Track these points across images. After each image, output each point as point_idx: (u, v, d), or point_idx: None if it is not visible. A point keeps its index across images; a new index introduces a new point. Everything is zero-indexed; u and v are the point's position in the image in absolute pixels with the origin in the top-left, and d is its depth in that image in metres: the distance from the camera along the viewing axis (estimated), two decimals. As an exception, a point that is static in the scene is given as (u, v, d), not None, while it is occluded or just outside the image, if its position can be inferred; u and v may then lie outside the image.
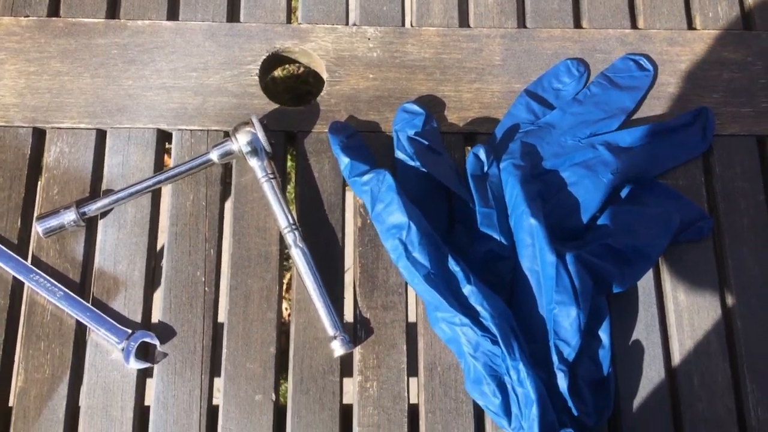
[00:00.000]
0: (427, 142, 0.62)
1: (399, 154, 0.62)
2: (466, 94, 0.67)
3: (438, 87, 0.67)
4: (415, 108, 0.63)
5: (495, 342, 0.54)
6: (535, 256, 0.57)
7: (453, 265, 0.56)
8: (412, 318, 0.60)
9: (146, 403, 0.58)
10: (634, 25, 0.70)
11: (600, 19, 0.70)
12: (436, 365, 0.59)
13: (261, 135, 0.60)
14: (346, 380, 0.59)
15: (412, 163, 0.61)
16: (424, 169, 0.60)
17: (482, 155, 0.61)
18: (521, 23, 0.70)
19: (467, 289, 0.55)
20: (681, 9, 0.71)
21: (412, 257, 0.56)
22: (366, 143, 0.63)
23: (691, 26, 0.71)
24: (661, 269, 0.62)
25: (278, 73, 1.39)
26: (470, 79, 0.67)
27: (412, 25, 0.69)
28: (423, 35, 0.68)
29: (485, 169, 0.61)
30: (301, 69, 1.51)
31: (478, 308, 0.55)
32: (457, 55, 0.68)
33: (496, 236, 0.59)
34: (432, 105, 0.66)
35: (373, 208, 0.59)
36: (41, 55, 0.65)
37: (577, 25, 0.70)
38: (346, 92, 0.66)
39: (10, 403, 0.58)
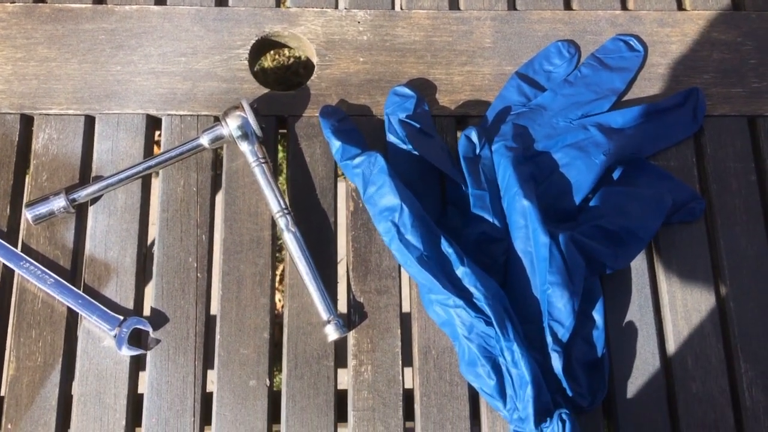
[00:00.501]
0: (418, 125, 0.62)
1: (390, 138, 0.62)
2: (457, 77, 0.66)
3: (429, 70, 0.66)
4: (406, 91, 0.63)
5: (489, 323, 0.54)
6: (528, 237, 0.57)
7: (446, 247, 0.56)
8: (405, 302, 0.60)
9: (140, 390, 0.58)
10: (624, 7, 0.70)
11: (590, 0, 0.70)
12: (430, 349, 0.59)
13: (251, 119, 0.59)
14: (340, 364, 0.59)
15: (404, 146, 0.61)
16: (416, 152, 0.60)
17: (474, 137, 0.61)
18: (511, 5, 0.70)
19: (460, 271, 0.55)
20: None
21: (404, 239, 0.56)
22: (357, 127, 0.63)
23: (681, 7, 0.70)
24: (653, 251, 0.62)
25: (268, 63, 1.38)
26: (461, 62, 0.67)
27: (402, 8, 0.69)
28: (413, 18, 0.68)
29: (477, 151, 0.61)
30: (291, 59, 1.51)
31: (472, 290, 0.55)
32: (447, 38, 0.68)
33: (489, 218, 0.59)
34: (423, 88, 0.65)
35: (365, 191, 0.58)
36: (28, 41, 0.65)
37: (567, 6, 0.70)
38: (336, 76, 0.66)
39: (2, 392, 0.57)
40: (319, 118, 0.63)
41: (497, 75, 0.66)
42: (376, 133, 0.64)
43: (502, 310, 0.54)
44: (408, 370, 0.59)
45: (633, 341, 0.60)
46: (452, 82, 0.66)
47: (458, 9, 0.69)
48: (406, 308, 0.60)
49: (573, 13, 0.69)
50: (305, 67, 1.54)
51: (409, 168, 0.61)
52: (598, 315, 0.58)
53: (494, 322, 0.53)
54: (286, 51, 1.38)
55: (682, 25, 0.69)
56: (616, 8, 0.70)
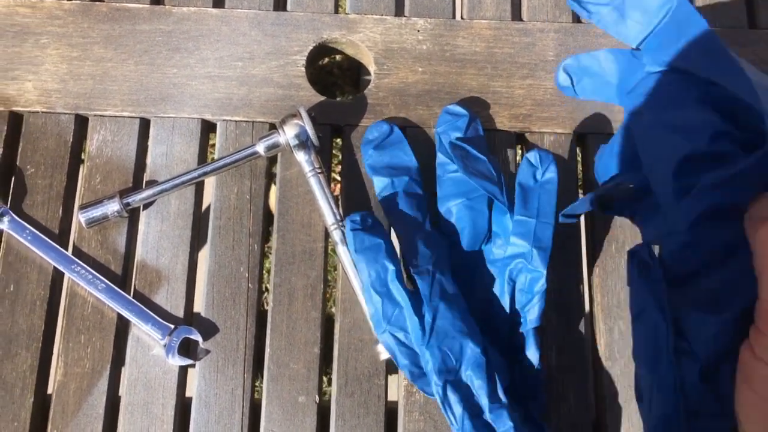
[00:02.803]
0: (470, 147, 0.59)
1: (441, 158, 0.60)
2: (519, 90, 0.64)
3: (489, 82, 0.65)
4: (459, 110, 0.61)
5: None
6: None
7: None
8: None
9: (188, 399, 0.57)
10: (693, 23, 0.68)
11: (658, 15, 0.67)
12: (484, 371, 0.57)
13: (309, 128, 0.58)
14: (391, 384, 0.57)
15: (453, 168, 0.59)
16: (465, 176, 0.58)
17: (534, 159, 0.59)
18: (576, 18, 0.68)
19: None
20: (742, 6, 0.68)
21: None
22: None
23: (753, 25, 0.68)
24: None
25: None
26: (522, 75, 0.65)
27: (462, 18, 0.67)
28: (474, 28, 0.66)
29: (539, 176, 0.58)
30: (326, 59, 1.49)
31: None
32: (509, 50, 0.66)
33: (524, 246, 0.56)
34: (482, 101, 0.64)
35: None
36: (84, 40, 0.64)
37: (634, 21, 0.68)
38: (394, 86, 0.64)
39: (49, 397, 0.56)
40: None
41: (559, 90, 0.64)
42: (432, 145, 0.62)
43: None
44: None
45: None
46: (513, 96, 0.64)
47: (521, 20, 0.67)
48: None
49: (640, 28, 0.67)
50: (339, 67, 1.53)
51: (458, 191, 0.59)
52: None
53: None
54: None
55: (755, 44, 0.66)
56: (685, 24, 0.67)
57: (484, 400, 0.50)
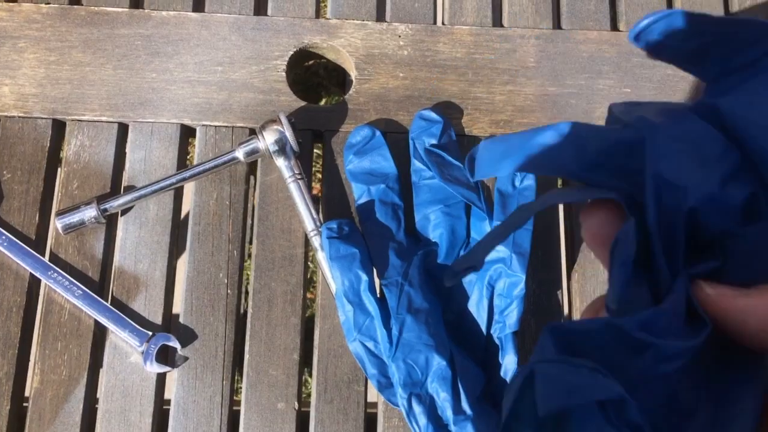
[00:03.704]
0: (445, 154, 0.59)
1: (416, 164, 0.60)
2: (499, 96, 0.65)
3: (469, 88, 0.65)
4: (433, 116, 0.61)
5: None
6: None
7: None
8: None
9: (165, 408, 0.57)
10: (672, 30, 0.68)
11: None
12: (464, 377, 0.57)
13: (289, 134, 0.58)
14: (370, 390, 0.57)
15: (429, 175, 0.59)
16: (442, 182, 0.58)
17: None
18: (556, 24, 0.68)
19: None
20: (721, 13, 0.69)
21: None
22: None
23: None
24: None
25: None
26: (503, 81, 0.65)
27: (444, 23, 0.67)
28: (455, 34, 0.66)
29: (517, 183, 0.58)
30: (312, 60, 1.49)
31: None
32: (489, 56, 0.66)
33: (504, 251, 0.56)
34: (463, 107, 0.64)
35: None
36: (62, 44, 0.63)
37: (614, 27, 0.68)
38: (375, 91, 0.64)
39: (26, 405, 0.56)
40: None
41: (540, 96, 0.65)
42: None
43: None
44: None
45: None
46: (493, 102, 0.64)
47: (502, 26, 0.67)
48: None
49: (620, 35, 0.67)
50: (326, 68, 1.53)
51: (434, 197, 0.59)
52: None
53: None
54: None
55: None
56: (664, 31, 0.68)
57: (449, 413, 0.50)
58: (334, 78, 1.54)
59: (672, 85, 0.65)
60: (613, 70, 0.66)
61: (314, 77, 1.55)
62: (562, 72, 0.66)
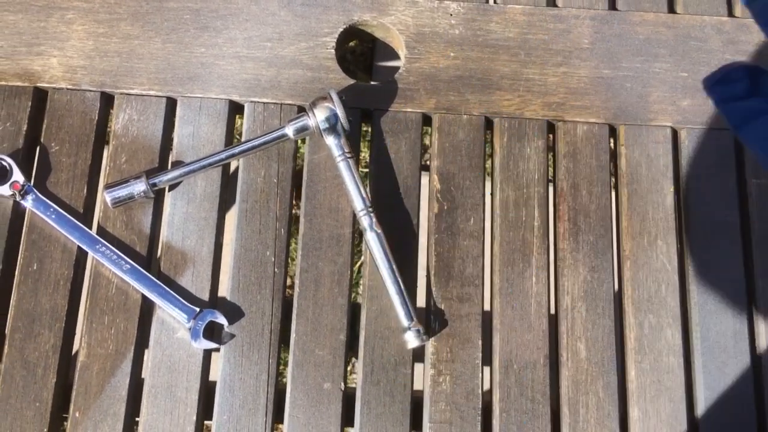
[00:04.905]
0: None
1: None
2: (552, 78, 0.63)
3: (522, 69, 0.63)
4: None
5: None
6: None
7: None
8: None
9: (212, 384, 0.56)
10: (730, 13, 0.66)
11: (695, 4, 0.66)
12: (512, 363, 0.56)
13: (340, 111, 0.57)
14: (417, 373, 0.56)
15: None
16: None
17: None
18: (612, 5, 0.66)
19: None
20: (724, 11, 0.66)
21: None
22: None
23: (731, 14, 0.66)
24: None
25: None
26: (556, 62, 0.64)
27: (496, 2, 0.66)
28: (508, 13, 0.65)
29: None
30: (353, 42, 1.47)
31: None
32: (543, 36, 0.64)
33: None
34: (515, 88, 0.62)
35: None
36: (111, 16, 0.63)
37: (671, 9, 0.66)
38: (425, 70, 0.63)
39: (72, 378, 0.56)
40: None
41: (594, 78, 0.63)
42: (465, 132, 0.61)
43: None
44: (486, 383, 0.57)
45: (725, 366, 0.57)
46: (546, 83, 0.63)
47: (556, 6, 0.66)
48: (487, 318, 0.57)
49: (677, 17, 0.65)
50: (353, 52, 1.51)
51: None
52: None
53: None
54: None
55: (734, 33, 0.65)
56: (723, 14, 0.66)
57: None
58: (362, 62, 1.52)
59: (731, 70, 0.64)
60: (669, 53, 0.64)
61: (342, 62, 1.53)
62: (617, 54, 0.64)
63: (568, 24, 0.65)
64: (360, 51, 1.52)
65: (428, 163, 0.62)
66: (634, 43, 0.64)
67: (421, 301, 0.58)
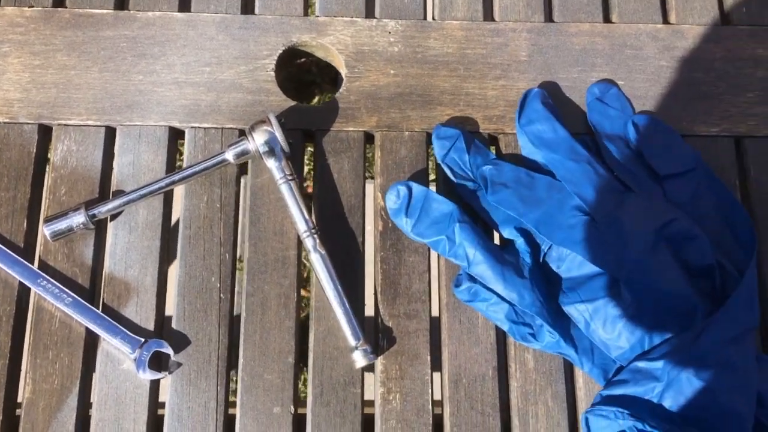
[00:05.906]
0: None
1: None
2: (491, 92, 0.64)
3: (462, 84, 0.64)
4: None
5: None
6: None
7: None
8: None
9: (160, 415, 0.56)
10: (665, 20, 0.68)
11: (630, 13, 0.67)
12: (461, 377, 0.56)
13: (279, 134, 0.57)
14: (367, 392, 0.57)
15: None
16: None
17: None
18: (548, 17, 0.67)
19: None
20: (714, 4, 0.68)
21: None
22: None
23: (726, 21, 0.68)
24: None
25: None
26: (495, 76, 0.64)
27: (434, 19, 0.66)
28: (446, 29, 0.65)
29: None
30: (303, 59, 1.48)
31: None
32: (481, 50, 0.65)
33: None
34: (455, 103, 0.63)
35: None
36: (47, 47, 0.62)
37: (607, 19, 0.67)
38: (366, 89, 0.63)
39: (18, 414, 0.55)
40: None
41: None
42: (406, 149, 0.61)
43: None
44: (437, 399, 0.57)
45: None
46: (486, 97, 0.64)
47: (493, 20, 0.67)
48: (435, 334, 0.57)
49: (612, 27, 0.66)
50: (317, 65, 1.51)
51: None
52: None
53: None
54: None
55: (726, 40, 0.66)
56: (658, 21, 0.67)
57: None
58: (327, 75, 1.52)
59: (665, 76, 0.65)
60: (606, 62, 0.65)
61: (307, 75, 1.54)
62: (554, 65, 0.65)
63: (505, 37, 0.65)
64: (325, 63, 1.53)
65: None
66: (571, 54, 0.65)
67: (369, 320, 0.58)
